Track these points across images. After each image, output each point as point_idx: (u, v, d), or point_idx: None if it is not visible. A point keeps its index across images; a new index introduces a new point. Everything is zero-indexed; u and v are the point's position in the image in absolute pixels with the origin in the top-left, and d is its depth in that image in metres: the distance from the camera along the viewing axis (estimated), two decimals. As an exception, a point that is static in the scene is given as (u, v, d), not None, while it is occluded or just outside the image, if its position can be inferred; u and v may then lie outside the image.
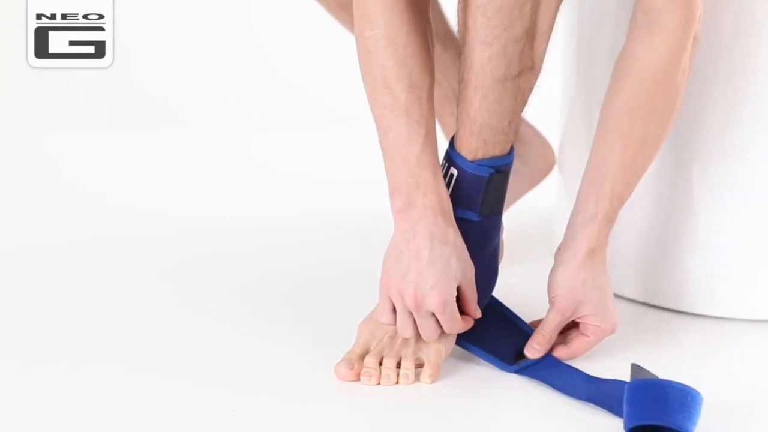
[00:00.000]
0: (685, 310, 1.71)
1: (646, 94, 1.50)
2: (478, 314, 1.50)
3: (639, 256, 1.74)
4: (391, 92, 1.44)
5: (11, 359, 1.54)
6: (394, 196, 1.46)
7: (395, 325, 1.48)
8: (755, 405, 1.46)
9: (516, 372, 1.49)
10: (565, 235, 1.53)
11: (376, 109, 1.46)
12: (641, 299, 1.75)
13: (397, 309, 1.47)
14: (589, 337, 1.52)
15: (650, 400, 1.35)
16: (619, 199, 1.52)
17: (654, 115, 1.51)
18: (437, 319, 1.46)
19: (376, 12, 1.44)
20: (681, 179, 1.68)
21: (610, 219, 1.52)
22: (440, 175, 1.46)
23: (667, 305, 1.72)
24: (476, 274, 1.49)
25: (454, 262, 1.45)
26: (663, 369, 1.46)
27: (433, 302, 1.44)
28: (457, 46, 1.84)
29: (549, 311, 1.52)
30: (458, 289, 1.47)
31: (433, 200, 1.45)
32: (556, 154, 1.94)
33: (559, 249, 1.54)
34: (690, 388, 1.36)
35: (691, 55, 1.51)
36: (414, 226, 1.45)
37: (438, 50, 1.83)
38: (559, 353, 1.52)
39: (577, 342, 1.53)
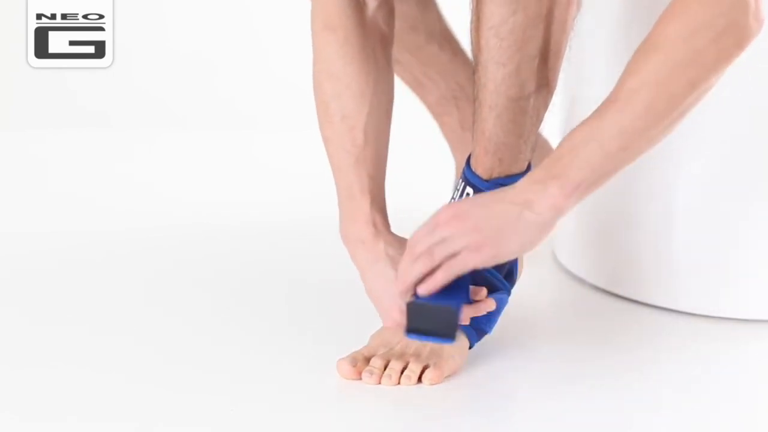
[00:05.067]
0: (679, 309, 1.71)
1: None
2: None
3: (634, 255, 1.74)
4: (329, 121, 1.49)
5: (7, 362, 1.54)
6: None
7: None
8: (748, 404, 1.46)
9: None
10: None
11: (323, 137, 1.52)
12: (634, 297, 1.75)
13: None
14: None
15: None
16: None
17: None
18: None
19: (321, 48, 1.48)
20: (674, 177, 1.69)
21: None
22: (368, 201, 1.49)
23: (658, 303, 1.73)
24: (489, 292, 1.48)
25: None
26: (657, 368, 1.45)
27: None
28: (454, 47, 1.85)
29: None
30: None
31: (360, 227, 1.48)
32: (556, 154, 1.94)
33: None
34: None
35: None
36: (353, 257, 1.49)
37: (434, 50, 1.83)
38: None
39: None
